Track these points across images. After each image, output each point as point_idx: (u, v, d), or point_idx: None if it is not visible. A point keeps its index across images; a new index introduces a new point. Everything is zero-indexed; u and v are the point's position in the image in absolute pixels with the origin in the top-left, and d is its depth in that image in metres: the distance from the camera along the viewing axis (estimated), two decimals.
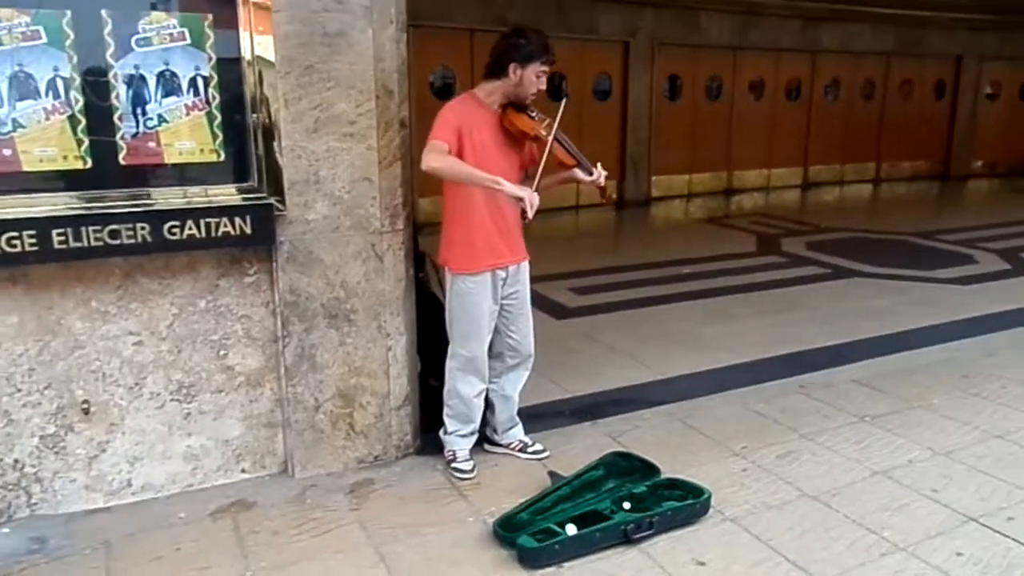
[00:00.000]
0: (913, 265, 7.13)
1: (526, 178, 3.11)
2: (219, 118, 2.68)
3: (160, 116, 2.60)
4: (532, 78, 2.88)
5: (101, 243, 2.52)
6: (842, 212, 10.87)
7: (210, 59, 2.63)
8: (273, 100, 2.69)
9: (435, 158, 2.77)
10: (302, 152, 2.80)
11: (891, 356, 4.63)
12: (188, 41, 2.59)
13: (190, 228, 2.63)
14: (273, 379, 3.00)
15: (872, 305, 5.82)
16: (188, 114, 2.64)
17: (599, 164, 3.02)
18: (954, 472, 3.19)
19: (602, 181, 3.01)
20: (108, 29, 2.49)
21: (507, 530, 2.64)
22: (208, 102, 2.65)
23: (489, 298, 3.04)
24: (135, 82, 2.55)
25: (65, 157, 2.51)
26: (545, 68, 2.89)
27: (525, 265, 3.16)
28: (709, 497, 2.83)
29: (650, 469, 3.05)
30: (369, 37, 2.82)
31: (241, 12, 2.61)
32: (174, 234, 2.62)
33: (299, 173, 2.81)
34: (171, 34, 2.57)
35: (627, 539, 2.64)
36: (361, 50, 2.82)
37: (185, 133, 2.65)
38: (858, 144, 12.76)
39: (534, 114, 2.95)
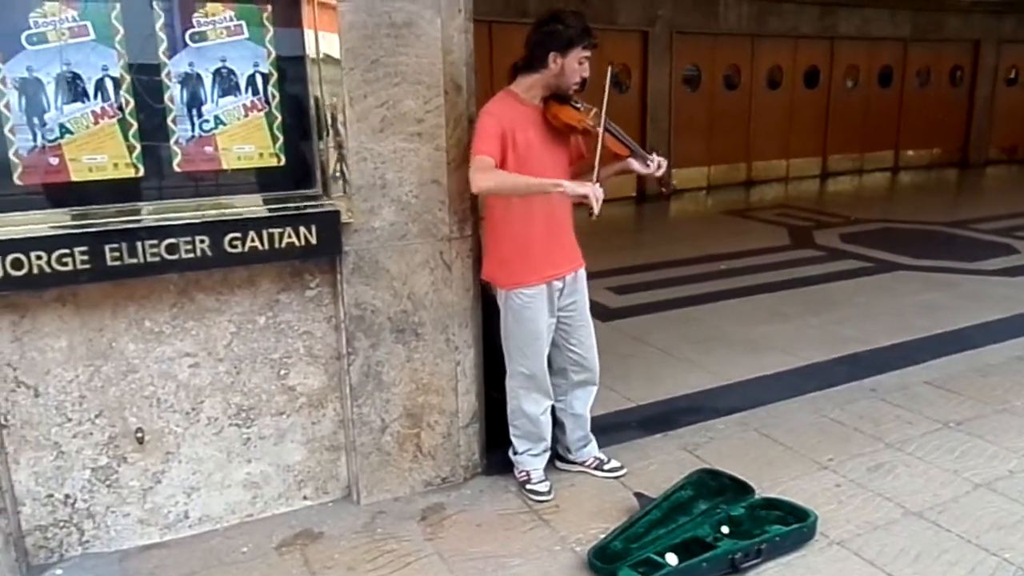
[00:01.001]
0: (954, 256, 6.92)
1: (577, 174, 2.88)
2: (279, 119, 2.45)
3: (217, 118, 2.38)
4: (574, 65, 2.63)
5: (158, 259, 2.30)
6: (867, 202, 10.64)
7: (269, 54, 2.40)
8: (337, 98, 2.47)
9: (485, 177, 2.53)
10: (367, 154, 2.58)
11: (958, 355, 4.42)
12: (246, 35, 2.36)
13: (252, 240, 2.41)
14: (336, 399, 2.79)
15: (921, 300, 5.61)
16: (246, 115, 2.41)
17: (655, 152, 2.80)
18: None
19: (661, 170, 2.79)
20: (160, 23, 2.26)
21: (604, 561, 2.43)
22: (267, 101, 2.43)
23: (546, 312, 2.81)
24: (190, 81, 2.33)
25: (116, 165, 2.29)
26: (587, 53, 2.64)
27: (582, 272, 2.93)
28: (816, 521, 2.63)
29: (743, 488, 2.85)
30: (437, 27, 2.60)
31: (302, 2, 2.38)
32: (235, 247, 2.40)
33: (364, 177, 2.59)
34: (228, 27, 2.34)
35: (734, 569, 2.43)
36: (429, 41, 2.59)
37: (243, 136, 2.42)
38: (876, 132, 12.55)
39: (579, 104, 2.71)
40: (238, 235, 2.39)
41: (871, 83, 12.41)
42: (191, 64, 2.31)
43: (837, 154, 12.35)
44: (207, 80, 2.34)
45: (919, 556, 2.55)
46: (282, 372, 2.68)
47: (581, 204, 2.55)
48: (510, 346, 2.85)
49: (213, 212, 2.37)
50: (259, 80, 2.40)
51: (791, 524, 2.62)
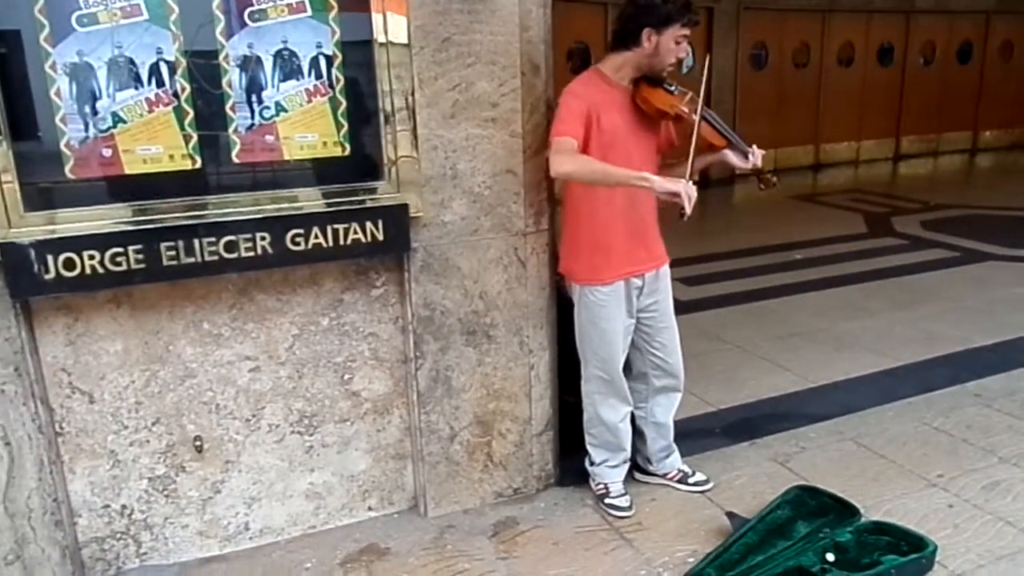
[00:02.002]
0: None
1: (666, 165, 2.63)
2: (344, 104, 2.25)
3: (278, 104, 2.19)
4: (670, 45, 2.36)
5: (216, 257, 2.14)
6: (946, 186, 10.04)
7: (333, 34, 2.20)
8: (406, 80, 2.26)
9: (566, 161, 2.29)
10: (438, 142, 2.37)
11: None
12: (308, 12, 2.17)
13: (316, 236, 2.23)
14: (402, 405, 2.60)
15: (1017, 294, 5.18)
16: (309, 101, 2.22)
17: (754, 145, 2.51)
18: None
19: (760, 163, 2.51)
20: (217, 1, 2.07)
21: None
22: (331, 86, 2.23)
23: (623, 311, 2.57)
24: (249, 64, 2.14)
25: (171, 156, 2.12)
26: (686, 31, 2.37)
27: (666, 269, 2.67)
28: (935, 551, 2.34)
29: (847, 509, 2.57)
30: (514, 1, 2.36)
31: None
32: (297, 244, 2.22)
33: (435, 167, 2.38)
34: (289, 5, 2.15)
35: None
36: (505, 17, 2.36)
37: (306, 123, 2.23)
38: (954, 112, 11.85)
39: (673, 88, 2.44)
40: (301, 231, 2.21)
41: (949, 60, 11.71)
42: (250, 46, 2.13)
43: (911, 135, 11.73)
44: (267, 63, 2.16)
45: None
46: (346, 376, 2.50)
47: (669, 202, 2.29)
48: (584, 348, 2.63)
49: (274, 207, 2.20)
50: (322, 63, 2.21)
51: (904, 552, 2.35)
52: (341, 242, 2.26)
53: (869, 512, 2.61)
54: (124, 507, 2.33)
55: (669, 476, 2.86)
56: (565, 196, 2.57)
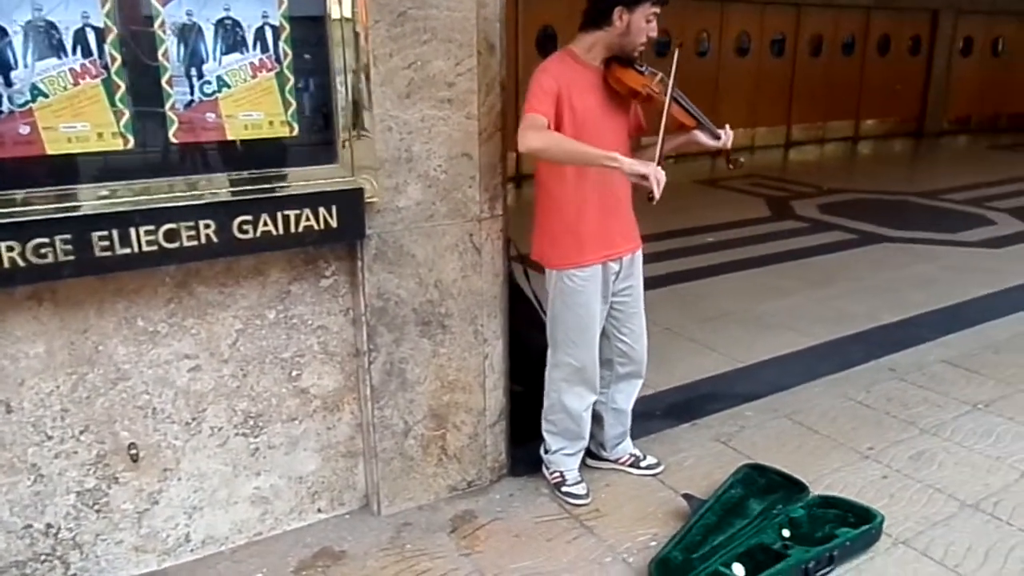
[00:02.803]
0: (934, 228, 6.90)
1: (638, 147, 2.62)
2: (292, 81, 2.09)
3: (220, 79, 2.00)
4: (641, 23, 2.34)
5: (155, 247, 1.94)
6: (836, 172, 10.63)
7: (280, 3, 2.03)
8: (359, 56, 2.12)
9: (535, 136, 2.23)
10: (393, 123, 2.24)
11: (966, 332, 4.33)
12: None
13: (265, 224, 2.07)
14: (353, 401, 2.48)
15: (914, 273, 5.54)
16: (255, 76, 2.04)
17: (727, 126, 2.54)
18: None
19: (729, 144, 2.53)
20: None
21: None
22: (278, 60, 2.06)
23: (599, 296, 2.55)
24: (188, 34, 1.94)
25: (100, 135, 1.90)
26: (656, 10, 2.35)
27: (639, 254, 2.68)
28: (882, 521, 2.45)
29: (795, 485, 2.66)
30: None
31: None
32: (245, 232, 2.05)
33: (389, 149, 2.26)
34: None
35: None
36: None
37: (251, 100, 2.05)
38: (839, 102, 12.54)
39: (643, 68, 2.43)
40: (249, 218, 2.04)
41: (834, 52, 12.37)
42: (189, 13, 1.93)
43: (801, 123, 12.33)
44: (208, 33, 1.96)
45: (988, 554, 2.40)
46: (294, 373, 2.35)
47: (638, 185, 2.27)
48: (558, 334, 2.58)
49: (218, 191, 2.01)
50: (269, 34, 2.03)
51: (853, 524, 2.44)
52: (292, 229, 2.11)
53: (813, 486, 2.71)
54: (49, 526, 2.10)
55: (621, 461, 2.86)
56: (537, 180, 2.50)
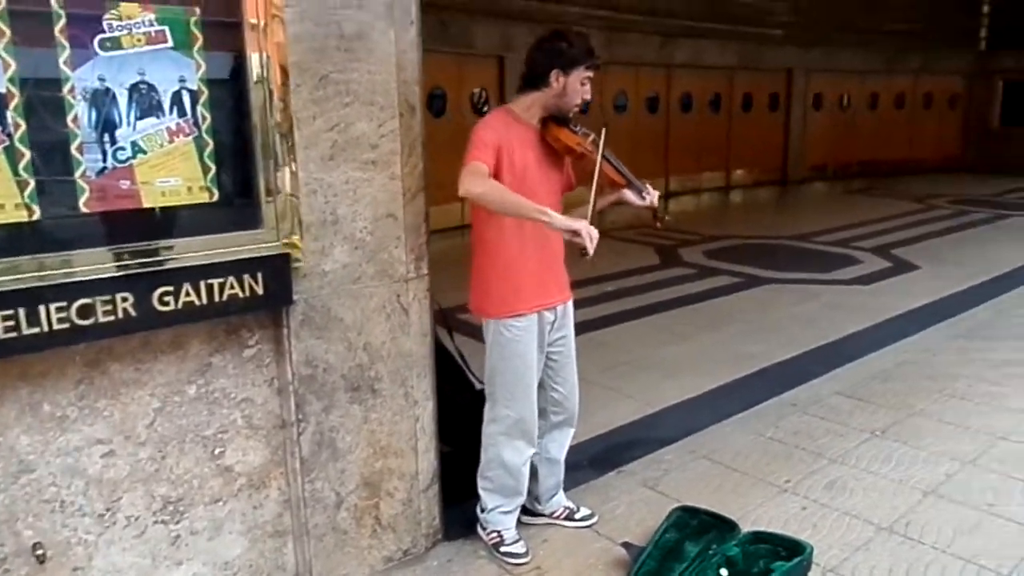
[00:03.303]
0: (809, 268, 7.42)
1: (567, 204, 2.69)
2: (211, 145, 2.02)
3: (135, 144, 1.91)
4: (576, 86, 2.47)
5: (67, 325, 1.80)
6: (714, 220, 11.27)
7: (199, 67, 1.97)
8: (282, 120, 2.08)
9: (477, 182, 2.28)
10: (317, 185, 2.20)
11: (852, 364, 4.64)
12: (169, 43, 1.92)
13: (187, 294, 1.96)
14: (280, 475, 2.35)
15: (798, 312, 5.91)
16: (171, 141, 1.96)
17: (648, 184, 2.67)
18: (992, 482, 3.13)
19: (656, 202, 2.65)
20: (61, 25, 1.78)
21: None
22: (197, 124, 1.99)
23: (536, 346, 2.58)
24: (100, 99, 1.85)
25: (2, 206, 1.76)
26: (590, 74, 2.50)
27: (571, 305, 2.73)
28: (812, 552, 2.55)
29: (725, 523, 2.73)
30: (391, 40, 2.29)
31: (241, 5, 1.98)
32: (166, 303, 1.94)
33: (315, 212, 2.21)
34: (147, 34, 1.89)
35: None
36: (382, 56, 2.27)
37: (168, 166, 1.97)
38: (710, 154, 13.37)
39: (577, 128, 2.55)
40: (170, 289, 1.93)
41: (704, 109, 13.24)
42: (101, 78, 1.84)
43: (677, 175, 13.02)
44: (122, 98, 1.88)
45: (909, 573, 2.54)
46: (217, 450, 2.21)
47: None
48: (496, 387, 2.57)
49: (136, 262, 1.90)
50: (186, 99, 1.96)
51: (784, 557, 2.53)
52: (216, 298, 2.01)
53: (741, 523, 2.79)
54: None
55: (556, 514, 2.85)
56: (475, 230, 2.54)
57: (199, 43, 1.96)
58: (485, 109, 10.02)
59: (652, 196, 2.61)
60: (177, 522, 2.17)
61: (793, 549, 2.55)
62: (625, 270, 7.38)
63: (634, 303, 6.17)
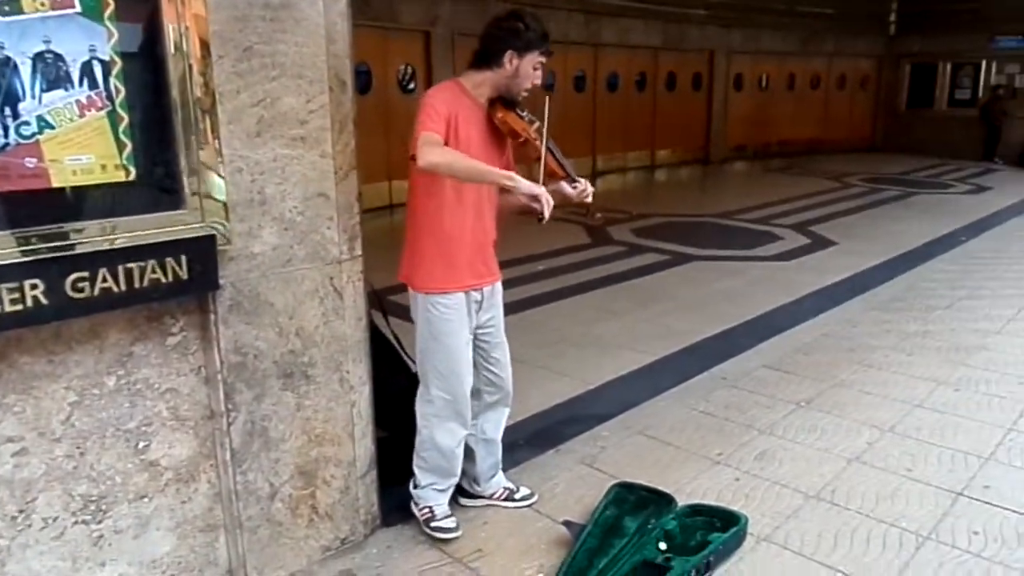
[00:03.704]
0: (732, 245, 7.61)
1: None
2: (126, 120, 1.88)
3: (41, 119, 1.76)
4: (529, 70, 2.45)
5: None
6: (640, 198, 11.44)
7: (111, 36, 1.83)
8: (203, 94, 1.96)
9: (436, 152, 2.26)
10: (243, 163, 2.10)
11: (776, 338, 4.79)
12: (77, 8, 1.78)
13: (104, 280, 1.84)
14: (210, 468, 2.25)
15: (723, 288, 6.05)
16: (82, 115, 1.82)
17: (584, 179, 2.65)
18: (910, 448, 3.29)
19: (589, 196, 2.64)
20: None
21: None
22: (110, 97, 1.85)
23: (466, 325, 2.55)
24: (1, 69, 1.70)
25: None
26: (543, 59, 2.47)
27: (499, 285, 2.71)
28: (747, 522, 2.61)
29: (662, 498, 2.78)
30: (320, 11, 2.18)
31: None
32: (80, 290, 1.81)
33: (240, 192, 2.10)
34: None
35: None
36: (311, 28, 2.17)
37: (79, 142, 1.83)
38: (636, 133, 13.52)
39: (524, 113, 2.52)
40: (85, 275, 1.80)
41: (630, 88, 13.34)
42: (1, 45, 1.69)
43: (604, 154, 13.12)
44: (24, 68, 1.73)
45: (837, 538, 2.64)
46: (140, 444, 2.09)
47: (524, 212, 2.34)
48: (427, 367, 2.54)
49: (45, 246, 1.76)
50: (98, 69, 1.82)
51: (721, 528, 2.58)
52: (137, 284, 1.89)
53: (678, 496, 2.84)
54: None
55: (496, 496, 2.84)
56: (412, 202, 2.49)
57: (110, 9, 1.82)
58: (412, 86, 9.85)
59: (587, 191, 2.59)
60: (99, 521, 2.05)
61: (728, 520, 2.61)
62: (556, 249, 7.39)
63: (566, 281, 6.19)
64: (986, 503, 2.85)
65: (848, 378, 4.08)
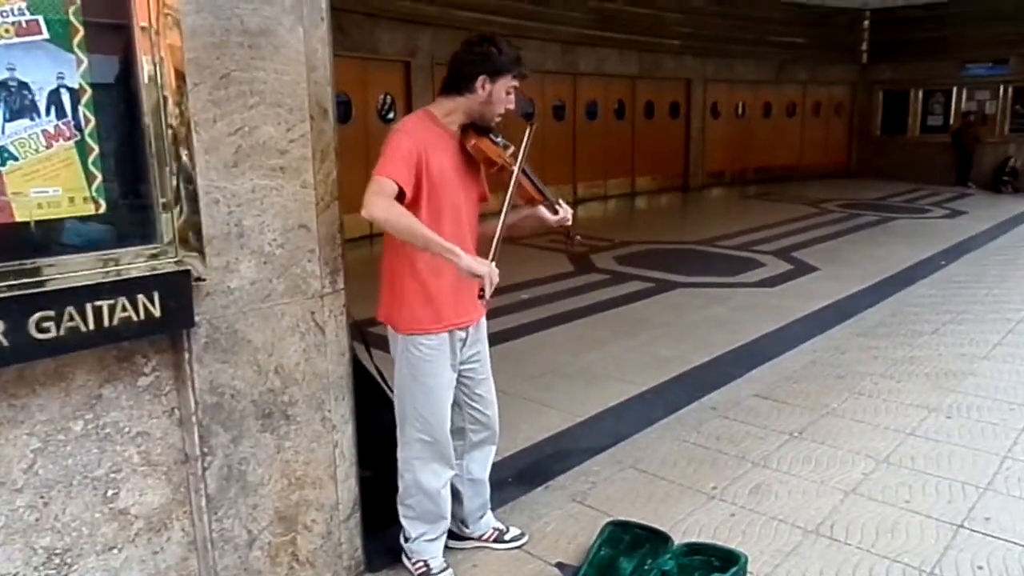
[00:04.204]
0: (716, 272, 7.59)
1: (481, 216, 2.58)
2: (96, 150, 1.79)
3: (4, 150, 1.67)
4: (502, 95, 2.36)
5: None
6: (622, 226, 11.44)
7: (80, 63, 1.75)
8: (178, 122, 1.87)
9: (383, 206, 2.14)
10: (220, 195, 2.01)
11: (765, 366, 4.73)
12: (44, 35, 1.69)
13: (71, 319, 1.73)
14: (184, 515, 2.12)
15: (710, 315, 6.01)
16: (49, 145, 1.73)
17: (563, 202, 2.59)
18: (906, 478, 3.23)
19: (569, 220, 2.58)
20: None
21: None
22: (79, 127, 1.77)
23: (448, 365, 2.45)
24: None
25: None
26: (516, 83, 2.39)
27: (484, 320, 2.62)
28: (746, 561, 2.52)
29: (658, 536, 2.68)
30: (299, 37, 2.11)
31: None
32: (46, 331, 1.70)
33: (217, 224, 2.01)
34: (17, 23, 1.66)
35: None
36: (290, 54, 2.10)
37: (46, 174, 1.73)
38: (616, 161, 13.57)
39: (498, 139, 2.44)
40: (50, 314, 1.69)
41: (609, 116, 13.43)
42: None
43: (584, 181, 13.14)
44: None
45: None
46: (109, 492, 1.97)
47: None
48: (406, 408, 2.43)
49: (5, 284, 1.65)
50: (66, 98, 1.74)
51: (718, 568, 2.49)
52: (106, 323, 1.78)
53: (672, 534, 2.74)
54: None
55: (485, 537, 2.73)
56: (386, 237, 2.38)
57: (80, 36, 1.74)
58: (391, 116, 9.82)
59: (566, 214, 2.52)
60: (64, 575, 1.92)
61: (727, 559, 2.52)
62: (539, 278, 7.33)
63: (550, 311, 6.12)
64: (988, 535, 2.79)
65: (839, 406, 4.03)
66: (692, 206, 13.87)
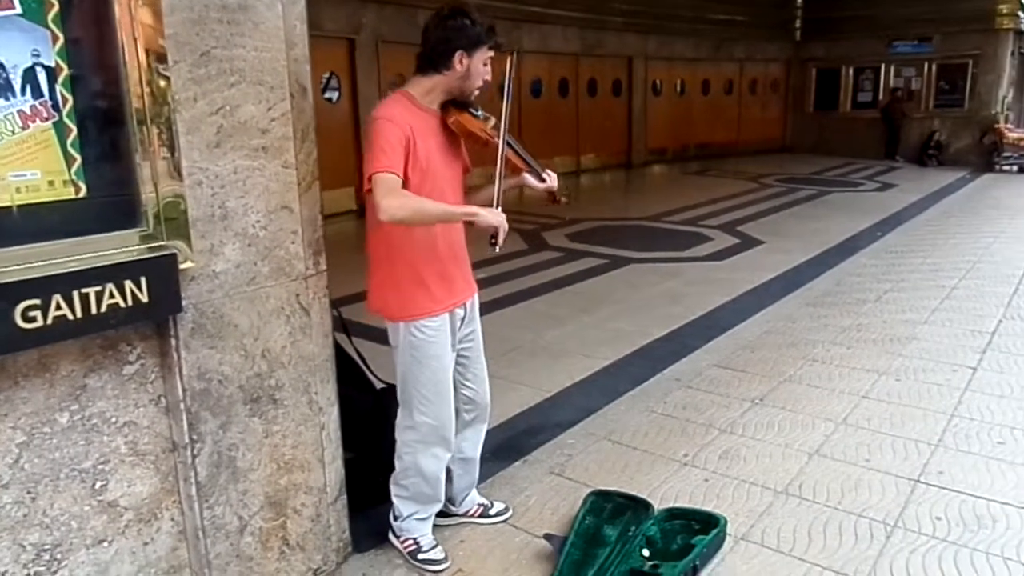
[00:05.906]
0: (667, 247, 7.73)
1: (467, 190, 2.58)
2: (75, 131, 1.73)
3: None
4: (479, 67, 2.34)
5: None
6: (571, 203, 11.48)
7: (56, 40, 1.67)
8: (159, 101, 1.81)
9: (399, 205, 2.11)
10: (203, 176, 1.95)
11: (722, 336, 4.87)
12: (17, 10, 1.62)
13: (58, 307, 1.67)
14: (173, 505, 2.08)
15: (664, 289, 6.14)
16: (25, 126, 1.66)
17: (548, 169, 2.61)
18: (864, 439, 3.39)
19: (555, 185, 2.60)
20: None
21: None
22: (57, 107, 1.69)
23: (450, 345, 2.46)
24: None
25: None
26: (492, 53, 2.37)
27: (477, 297, 2.63)
28: (726, 523, 2.62)
29: (639, 503, 2.75)
30: (278, 13, 2.07)
31: None
32: (32, 320, 1.63)
33: (201, 206, 1.96)
34: None
35: None
36: (269, 31, 2.05)
37: (22, 157, 1.66)
38: (561, 138, 13.61)
39: (478, 112, 2.43)
40: (36, 303, 1.63)
41: (553, 93, 13.44)
42: None
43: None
44: None
45: (811, 533, 2.68)
46: (98, 484, 1.92)
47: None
48: (410, 392, 2.41)
49: None
50: (42, 76, 1.66)
51: (698, 530, 2.58)
52: (94, 311, 1.72)
53: (650, 500, 2.82)
54: None
55: (471, 513, 2.76)
56: (373, 226, 2.32)
57: (55, 10, 1.66)
58: (336, 97, 9.63)
59: (551, 179, 2.55)
60: (55, 571, 1.86)
61: (707, 521, 2.61)
62: (494, 257, 7.14)
63: (508, 289, 6.14)
64: (942, 488, 2.96)
65: (795, 373, 4.18)
66: (637, 183, 14.05)
